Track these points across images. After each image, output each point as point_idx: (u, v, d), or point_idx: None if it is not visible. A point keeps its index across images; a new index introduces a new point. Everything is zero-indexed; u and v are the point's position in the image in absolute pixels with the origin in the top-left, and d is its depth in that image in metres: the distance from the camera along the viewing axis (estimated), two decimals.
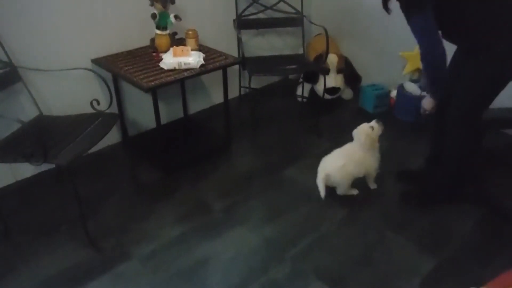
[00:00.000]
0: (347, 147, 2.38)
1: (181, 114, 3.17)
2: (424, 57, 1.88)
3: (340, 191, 2.39)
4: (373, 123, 2.33)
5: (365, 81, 3.49)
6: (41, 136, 2.04)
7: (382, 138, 2.37)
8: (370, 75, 3.49)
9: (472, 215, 2.24)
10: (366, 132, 2.30)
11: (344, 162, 2.29)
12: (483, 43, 1.86)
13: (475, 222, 2.20)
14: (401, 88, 3.16)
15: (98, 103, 2.27)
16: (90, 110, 2.25)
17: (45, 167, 2.47)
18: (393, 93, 3.28)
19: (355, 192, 2.42)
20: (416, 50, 2.87)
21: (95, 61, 2.49)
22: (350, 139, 2.38)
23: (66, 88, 2.48)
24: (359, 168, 2.34)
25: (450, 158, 2.16)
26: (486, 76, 1.91)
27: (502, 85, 1.92)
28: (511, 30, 1.81)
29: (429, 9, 1.76)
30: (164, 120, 2.96)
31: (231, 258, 2.01)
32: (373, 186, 2.48)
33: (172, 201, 2.38)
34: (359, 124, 2.36)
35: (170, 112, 3.10)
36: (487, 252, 2.02)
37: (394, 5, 1.90)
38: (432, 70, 1.93)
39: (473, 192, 2.35)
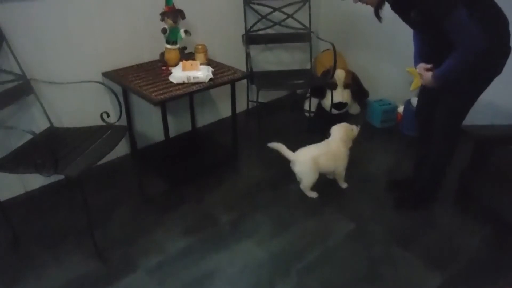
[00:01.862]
0: (323, 142, 2.55)
1: (189, 127, 3.20)
2: (468, 52, 1.80)
3: (303, 185, 2.52)
4: (354, 126, 2.56)
5: (372, 97, 3.50)
6: (51, 147, 2.07)
7: (389, 153, 2.38)
8: (377, 91, 3.50)
9: (480, 231, 2.23)
10: (347, 128, 2.52)
11: (316, 154, 2.45)
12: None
13: (482, 238, 2.19)
14: (408, 104, 3.17)
15: (108, 116, 2.30)
16: (100, 122, 2.29)
17: (54, 178, 2.50)
18: (400, 109, 3.29)
19: (314, 195, 2.53)
20: None
21: (106, 74, 2.53)
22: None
23: (77, 100, 2.52)
24: (330, 162, 2.49)
25: (438, 163, 2.26)
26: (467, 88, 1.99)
27: (479, 94, 2.02)
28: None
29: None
30: (172, 133, 2.99)
31: (237, 271, 2.01)
32: (344, 185, 2.61)
33: (179, 213, 2.40)
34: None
35: (179, 125, 3.13)
36: (495, 269, 2.01)
37: (387, 11, 1.95)
38: (466, 67, 1.85)
39: (480, 208, 2.34)
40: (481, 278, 1.95)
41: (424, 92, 2.21)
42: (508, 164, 2.20)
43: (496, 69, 1.96)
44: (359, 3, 1.96)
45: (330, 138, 2.54)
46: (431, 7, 1.78)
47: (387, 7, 1.96)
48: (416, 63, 2.14)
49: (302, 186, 2.53)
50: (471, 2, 1.79)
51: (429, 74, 1.99)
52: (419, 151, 2.44)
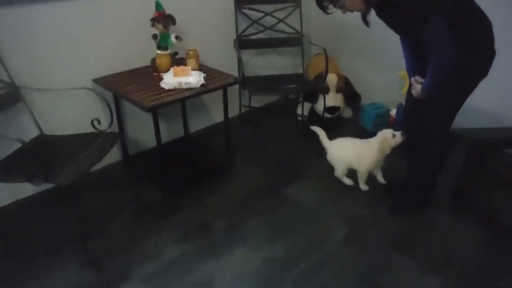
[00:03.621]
0: (363, 140, 2.59)
1: (181, 133, 3.18)
2: (440, 61, 1.84)
3: (335, 172, 2.68)
4: (398, 132, 2.45)
5: (364, 100, 3.50)
6: (42, 155, 2.04)
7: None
8: (370, 94, 3.51)
9: (476, 235, 2.23)
10: (386, 134, 2.46)
11: (346, 147, 2.60)
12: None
13: (478, 242, 2.18)
14: (400, 107, 3.17)
15: (99, 123, 2.27)
16: (91, 129, 2.25)
17: (46, 186, 2.45)
18: (393, 112, 3.30)
19: (349, 182, 2.65)
20: None
21: (97, 81, 2.50)
22: None
23: (67, 107, 2.49)
24: (354, 160, 2.56)
25: (428, 167, 2.27)
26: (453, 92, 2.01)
27: (466, 97, 2.05)
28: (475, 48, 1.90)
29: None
30: (164, 139, 2.96)
31: (233, 279, 1.99)
32: (364, 187, 2.62)
33: (173, 220, 2.37)
34: None
35: (171, 131, 3.10)
36: (492, 273, 2.00)
37: (373, 19, 1.99)
38: (443, 75, 1.89)
39: (476, 212, 2.34)
40: (477, 283, 1.95)
41: (411, 96, 2.22)
42: (502, 166, 2.20)
43: (482, 72, 1.98)
44: (348, 12, 1.98)
45: (372, 139, 2.54)
46: (409, 14, 1.83)
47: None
48: (410, 73, 2.17)
49: (335, 174, 2.68)
50: (456, 8, 1.82)
51: (419, 87, 2.04)
52: (410, 155, 2.44)
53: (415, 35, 1.87)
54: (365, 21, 2.03)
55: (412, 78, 2.14)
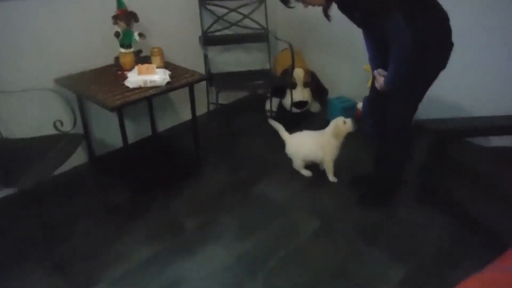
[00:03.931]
0: (318, 131, 2.66)
1: (149, 132, 3.13)
2: (400, 54, 1.88)
3: (294, 164, 2.74)
4: (348, 119, 2.56)
5: (332, 94, 3.54)
6: (1, 160, 1.97)
7: (349, 148, 2.42)
8: (336, 88, 3.55)
9: (440, 222, 2.30)
10: (337, 122, 2.56)
11: (305, 140, 2.65)
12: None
13: (442, 230, 2.25)
14: (366, 100, 3.21)
15: (62, 124, 2.21)
16: (53, 131, 2.19)
17: (8, 191, 2.37)
18: (360, 105, 3.35)
19: (306, 173, 2.71)
20: None
21: (58, 81, 2.43)
22: None
23: (27, 109, 2.41)
24: (316, 151, 2.61)
25: (394, 158, 2.32)
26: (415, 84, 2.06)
27: (427, 88, 2.10)
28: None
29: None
30: (132, 138, 2.92)
31: (204, 277, 1.98)
32: (332, 178, 2.66)
33: (143, 221, 2.33)
34: None
35: (138, 130, 3.05)
36: (454, 259, 2.07)
37: (338, 13, 2.01)
38: (404, 67, 1.92)
39: (440, 200, 2.41)
40: (442, 269, 2.01)
41: (375, 89, 2.25)
42: (465, 156, 2.27)
43: (441, 64, 2.03)
44: (310, 7, 1.99)
45: (326, 129, 2.61)
46: (369, 9, 1.87)
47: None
48: (372, 67, 2.21)
49: (293, 166, 2.73)
50: (413, 1, 1.88)
51: (382, 80, 2.09)
52: (377, 147, 2.48)
53: (376, 29, 1.91)
54: (326, 15, 2.05)
55: (375, 71, 2.17)
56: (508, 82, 2.63)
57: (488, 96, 2.71)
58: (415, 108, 2.17)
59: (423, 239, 2.19)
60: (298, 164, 2.71)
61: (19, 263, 2.05)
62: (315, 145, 2.61)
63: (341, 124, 2.55)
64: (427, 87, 2.10)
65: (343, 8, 2.00)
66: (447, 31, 1.98)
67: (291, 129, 2.72)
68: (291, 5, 1.97)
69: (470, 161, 2.21)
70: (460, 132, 2.37)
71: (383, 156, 2.39)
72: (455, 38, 1.99)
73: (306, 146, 2.65)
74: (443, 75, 2.05)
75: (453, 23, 1.97)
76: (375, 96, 2.28)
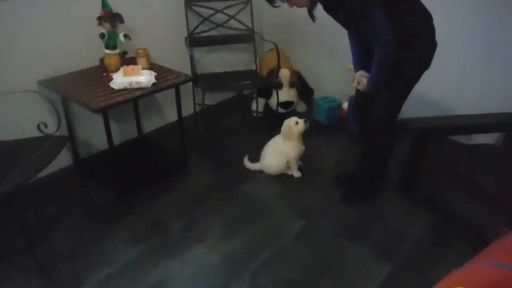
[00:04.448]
0: (274, 138, 2.72)
1: (135, 134, 3.12)
2: (383, 52, 1.91)
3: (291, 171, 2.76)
4: (300, 119, 2.61)
5: (317, 94, 3.57)
6: None
7: (335, 148, 2.44)
8: (322, 88, 3.57)
9: (423, 218, 2.33)
10: (289, 123, 2.62)
11: (272, 156, 2.69)
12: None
13: (425, 226, 2.29)
14: (352, 100, 3.25)
15: (46, 126, 2.19)
16: (37, 133, 2.18)
17: None
18: (345, 105, 3.38)
19: (298, 174, 2.73)
20: None
21: (42, 83, 2.41)
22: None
23: (10, 111, 2.38)
24: (280, 158, 2.66)
25: (379, 156, 2.35)
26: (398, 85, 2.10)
27: (411, 88, 2.13)
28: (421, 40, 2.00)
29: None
30: (118, 140, 2.91)
31: (190, 277, 1.98)
32: (296, 174, 2.71)
33: (128, 223, 2.33)
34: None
35: (124, 132, 3.04)
36: (437, 252, 2.11)
37: (323, 13, 2.04)
38: (387, 66, 1.95)
39: (422, 197, 2.44)
40: (425, 264, 2.04)
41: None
42: (446, 153, 2.31)
43: (425, 64, 2.06)
44: (295, 7, 2.01)
45: (279, 135, 2.66)
46: (351, 8, 1.89)
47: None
48: (356, 67, 2.23)
49: (294, 175, 2.75)
50: (396, 1, 1.90)
51: (365, 81, 2.11)
52: (362, 146, 2.51)
53: (360, 29, 1.93)
54: (311, 16, 2.07)
55: (357, 73, 2.20)
56: (488, 81, 2.68)
57: (469, 95, 2.76)
58: (399, 108, 2.20)
59: (406, 235, 2.23)
60: (277, 170, 2.72)
61: (2, 266, 2.03)
62: (274, 153, 2.68)
63: (292, 125, 2.60)
64: (410, 87, 2.13)
65: (328, 9, 2.02)
66: (431, 31, 2.01)
67: (277, 130, 2.73)
68: (276, 4, 1.98)
69: (451, 159, 2.25)
70: (442, 130, 2.41)
71: (368, 154, 2.42)
72: (437, 37, 2.02)
73: (269, 158, 2.70)
74: (425, 74, 2.08)
75: (436, 23, 2.00)
76: (360, 96, 2.31)
